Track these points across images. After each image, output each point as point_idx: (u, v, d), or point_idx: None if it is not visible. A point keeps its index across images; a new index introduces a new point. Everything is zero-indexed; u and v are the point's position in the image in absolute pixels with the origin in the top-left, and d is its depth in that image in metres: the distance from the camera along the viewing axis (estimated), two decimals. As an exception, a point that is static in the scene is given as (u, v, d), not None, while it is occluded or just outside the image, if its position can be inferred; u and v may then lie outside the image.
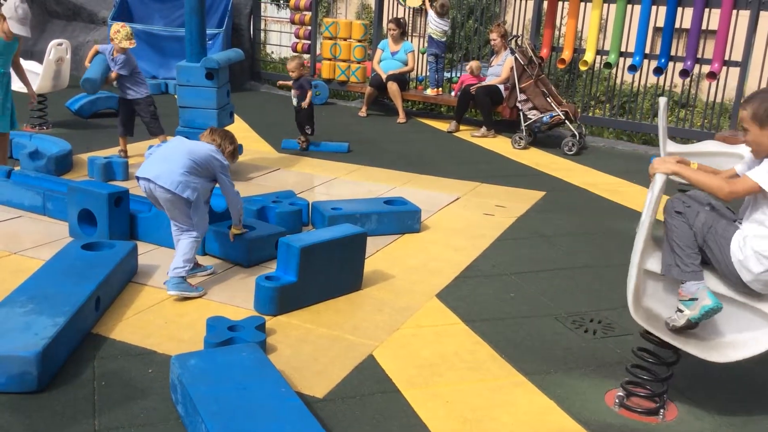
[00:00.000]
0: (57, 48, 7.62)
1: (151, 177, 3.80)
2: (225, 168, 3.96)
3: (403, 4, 10.65)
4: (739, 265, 2.77)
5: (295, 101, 7.36)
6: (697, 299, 2.77)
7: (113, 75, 6.39)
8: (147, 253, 4.38)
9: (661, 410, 2.96)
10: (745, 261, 2.75)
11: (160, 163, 3.84)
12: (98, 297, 3.49)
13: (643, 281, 2.93)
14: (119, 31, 6.34)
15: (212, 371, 2.79)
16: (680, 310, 2.82)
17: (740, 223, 2.88)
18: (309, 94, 7.28)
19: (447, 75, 11.23)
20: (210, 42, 11.20)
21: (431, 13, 9.60)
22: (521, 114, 8.39)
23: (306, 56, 10.67)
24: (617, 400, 3.02)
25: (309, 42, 11.45)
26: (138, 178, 3.89)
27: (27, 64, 7.92)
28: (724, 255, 2.80)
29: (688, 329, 2.84)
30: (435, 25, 9.61)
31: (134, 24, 11.12)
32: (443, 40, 9.70)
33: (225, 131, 4.16)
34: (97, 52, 6.47)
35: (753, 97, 2.86)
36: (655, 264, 2.92)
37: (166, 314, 3.65)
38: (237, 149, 4.19)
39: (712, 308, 2.76)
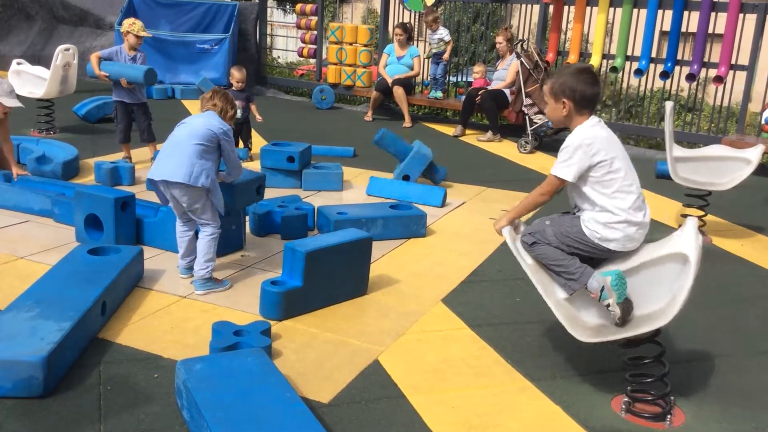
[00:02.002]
0: (64, 53, 7.66)
1: (165, 177, 3.84)
2: (228, 133, 4.00)
3: (408, 8, 10.66)
4: (600, 242, 3.06)
5: (240, 113, 6.73)
6: (604, 286, 2.97)
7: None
8: (153, 258, 4.39)
9: (668, 416, 2.94)
10: (601, 236, 3.05)
11: (169, 159, 3.87)
12: (104, 302, 3.50)
13: (570, 308, 3.11)
14: (134, 23, 6.36)
15: (217, 376, 2.79)
16: (606, 305, 2.99)
17: (577, 212, 3.20)
18: (253, 107, 7.05)
19: (453, 79, 11.23)
20: (216, 47, 11.27)
21: (429, 33, 9.81)
22: (527, 118, 8.38)
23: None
24: (623, 406, 3.01)
25: (315, 47, 11.48)
26: (152, 182, 3.94)
27: (34, 70, 7.98)
28: (587, 243, 3.08)
29: (629, 311, 2.98)
30: (430, 37, 9.79)
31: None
32: (442, 49, 9.72)
33: (226, 94, 4.17)
34: (101, 58, 6.34)
35: (554, 72, 3.28)
36: (561, 292, 3.15)
37: (172, 319, 3.66)
38: (236, 112, 4.25)
39: (616, 279, 2.95)
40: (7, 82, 5.44)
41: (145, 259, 4.20)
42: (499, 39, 8.99)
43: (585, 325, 3.10)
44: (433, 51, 9.80)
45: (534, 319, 3.85)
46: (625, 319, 2.98)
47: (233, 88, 6.96)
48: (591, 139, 3.05)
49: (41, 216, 5.10)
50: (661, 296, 2.92)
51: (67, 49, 7.75)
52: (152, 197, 5.26)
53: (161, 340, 3.43)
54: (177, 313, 3.72)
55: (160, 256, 4.45)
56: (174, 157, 3.85)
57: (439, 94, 9.98)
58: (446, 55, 9.77)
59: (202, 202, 3.92)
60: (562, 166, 3.09)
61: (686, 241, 2.83)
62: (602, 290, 2.98)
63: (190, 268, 4.08)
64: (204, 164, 3.86)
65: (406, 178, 6.17)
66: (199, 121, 3.96)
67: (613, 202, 3.05)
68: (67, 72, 7.76)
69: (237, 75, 6.96)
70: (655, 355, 2.96)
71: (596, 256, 3.15)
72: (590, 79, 3.11)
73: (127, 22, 6.41)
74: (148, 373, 3.13)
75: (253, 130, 7.34)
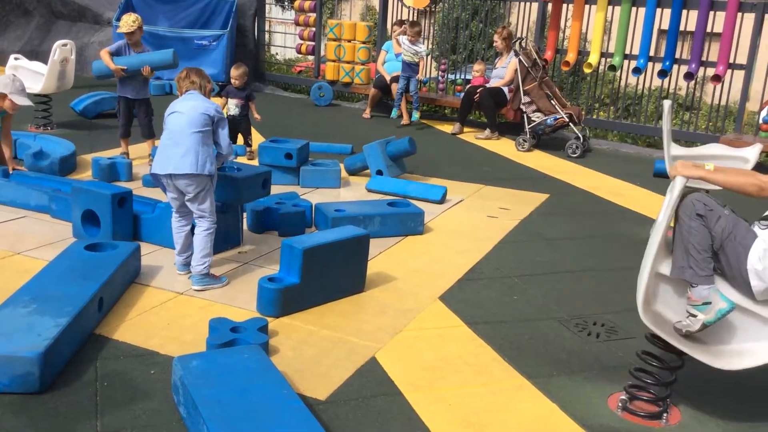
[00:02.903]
0: (62, 48, 7.63)
1: (171, 170, 3.86)
2: (220, 110, 4.02)
3: (407, 6, 10.65)
4: (754, 275, 2.73)
5: (237, 111, 6.88)
6: (710, 302, 2.74)
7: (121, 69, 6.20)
8: (150, 254, 4.39)
9: (665, 414, 2.94)
10: (762, 272, 2.71)
11: (171, 151, 3.87)
12: (101, 298, 3.49)
13: (654, 284, 2.91)
14: (136, 20, 6.29)
15: (214, 373, 2.79)
16: (693, 315, 2.78)
17: (759, 228, 2.84)
18: (252, 105, 6.98)
19: (451, 77, 11.23)
20: (214, 43, 11.24)
21: (404, 39, 9.02)
22: (525, 116, 8.38)
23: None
24: (620, 404, 3.01)
25: (313, 43, 11.46)
26: (155, 176, 3.95)
27: (32, 65, 7.96)
28: (740, 263, 2.75)
29: (700, 332, 2.82)
30: (407, 48, 9.03)
31: (139, 25, 11.15)
32: (416, 61, 9.10)
33: (200, 70, 4.16)
34: (111, 54, 6.24)
35: None
36: (667, 267, 2.89)
37: (169, 315, 3.65)
38: (213, 87, 4.25)
39: (725, 312, 2.72)
40: (19, 80, 5.42)
41: (142, 256, 4.19)
42: (498, 37, 8.99)
43: (654, 306, 2.91)
44: (404, 58, 9.05)
45: (531, 317, 3.86)
46: (690, 336, 2.83)
47: (233, 85, 6.94)
48: None
49: (38, 212, 5.09)
50: (733, 341, 2.83)
51: (65, 45, 7.73)
52: (150, 193, 5.27)
53: (158, 336, 3.42)
54: (174, 310, 3.72)
55: (158, 253, 4.45)
56: (176, 149, 3.86)
57: (417, 116, 9.24)
58: (419, 75, 9.23)
59: (207, 188, 3.94)
60: None
61: None
62: (704, 304, 2.75)
63: (186, 265, 4.08)
64: (207, 150, 3.90)
65: (379, 173, 6.25)
66: (190, 106, 3.95)
67: None
68: (65, 67, 7.74)
69: (235, 73, 6.91)
70: (673, 365, 2.92)
71: (720, 275, 2.85)
72: None
73: (126, 20, 6.30)
74: (144, 369, 3.12)
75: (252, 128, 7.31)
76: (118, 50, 6.32)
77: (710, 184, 2.84)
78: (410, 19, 10.37)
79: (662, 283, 2.94)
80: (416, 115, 9.24)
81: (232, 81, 6.94)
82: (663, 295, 2.95)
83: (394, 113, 9.36)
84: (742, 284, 2.79)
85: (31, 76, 7.81)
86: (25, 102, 5.39)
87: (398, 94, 9.26)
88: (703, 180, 2.80)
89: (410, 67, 9.11)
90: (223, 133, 4.03)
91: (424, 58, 9.33)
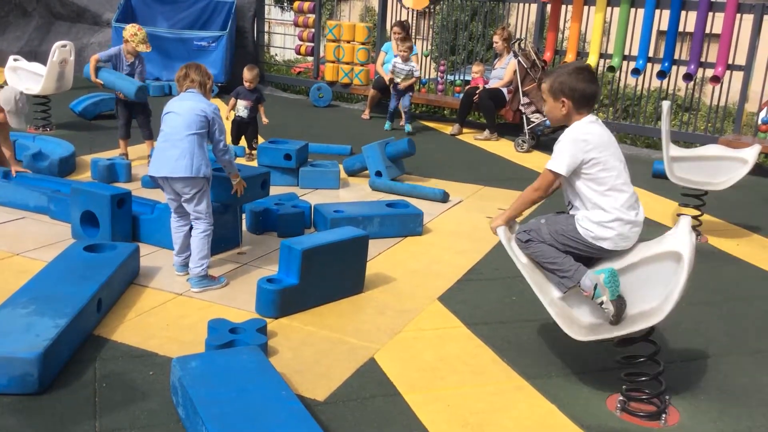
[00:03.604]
0: (61, 49, 7.63)
1: (166, 173, 3.85)
2: (217, 111, 4.00)
3: (406, 7, 10.65)
4: (594, 241, 3.07)
5: (246, 113, 6.89)
6: (597, 284, 2.97)
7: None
8: (149, 255, 4.39)
9: (663, 415, 2.95)
10: (595, 235, 3.06)
11: (167, 153, 3.87)
12: (100, 299, 3.49)
13: (564, 307, 3.12)
14: (136, 34, 6.25)
15: (213, 374, 2.79)
16: (600, 303, 3.00)
17: (571, 209, 3.21)
18: (262, 108, 6.97)
19: (450, 78, 11.23)
20: (213, 44, 11.25)
21: (396, 59, 8.82)
22: (524, 117, 8.39)
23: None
24: (619, 405, 3.01)
25: (312, 44, 11.46)
26: (152, 177, 3.95)
27: (31, 66, 7.95)
28: (580, 242, 3.10)
29: (623, 308, 3.00)
30: (399, 69, 8.79)
31: (138, 26, 11.16)
32: (410, 84, 8.84)
33: (198, 65, 4.11)
34: (99, 62, 6.24)
35: (552, 71, 3.28)
36: (555, 291, 3.17)
37: (168, 316, 3.65)
38: (213, 83, 4.22)
39: (609, 277, 2.97)
40: (22, 101, 5.37)
41: (141, 256, 4.19)
42: (497, 38, 8.99)
43: (579, 323, 3.11)
44: (398, 80, 8.75)
45: (530, 318, 3.86)
46: (619, 317, 2.98)
47: (245, 87, 6.91)
48: (586, 135, 3.06)
49: (37, 213, 5.09)
50: (656, 295, 2.92)
51: (64, 46, 7.73)
52: (149, 194, 5.27)
53: (157, 337, 3.42)
54: (173, 311, 3.72)
55: (156, 254, 4.45)
56: (172, 151, 3.85)
57: (409, 127, 8.84)
58: (411, 81, 8.83)
59: (203, 190, 3.94)
60: (556, 160, 3.09)
61: (680, 239, 2.84)
62: (595, 288, 3.00)
63: (185, 266, 4.08)
64: (202, 153, 3.89)
65: (378, 174, 6.25)
66: (187, 107, 3.92)
67: (605, 200, 3.05)
68: (64, 68, 7.74)
69: (247, 75, 6.85)
70: (650, 353, 2.97)
71: (590, 255, 3.16)
72: (588, 77, 3.11)
73: (130, 29, 6.29)
74: (143, 370, 3.13)
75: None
76: (109, 58, 6.31)
77: (519, 215, 3.34)
78: (408, 20, 10.36)
79: (565, 301, 3.16)
80: (408, 126, 8.85)
81: (245, 83, 6.89)
82: (575, 309, 3.17)
83: (387, 126, 9.06)
84: (602, 253, 3.12)
85: (30, 77, 7.81)
86: (17, 125, 5.33)
87: (390, 111, 8.99)
88: (511, 218, 3.29)
89: (404, 90, 8.85)
90: (218, 135, 3.99)
91: (416, 77, 8.99)
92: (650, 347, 2.97)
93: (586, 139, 3.05)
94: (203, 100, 4.01)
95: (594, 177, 3.06)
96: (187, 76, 4.05)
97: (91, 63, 6.25)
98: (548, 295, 3.13)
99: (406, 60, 8.76)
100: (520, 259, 3.20)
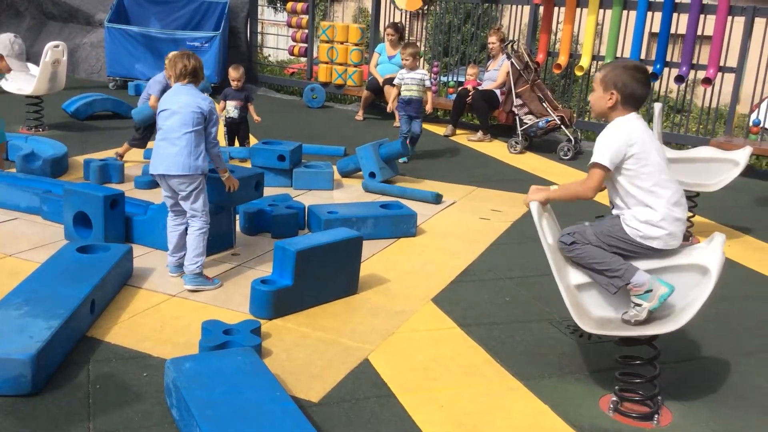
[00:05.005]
0: (53, 50, 7.61)
1: (163, 171, 3.88)
2: (212, 103, 4.02)
3: (400, 8, 10.66)
4: (643, 240, 2.99)
5: (236, 113, 6.83)
6: (651, 290, 2.91)
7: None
8: (142, 256, 4.38)
9: (656, 415, 2.96)
10: (643, 235, 2.97)
11: (165, 151, 3.88)
12: (93, 300, 3.48)
13: (578, 295, 3.06)
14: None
15: (207, 375, 2.79)
16: (638, 305, 2.94)
17: (615, 210, 3.13)
18: (251, 107, 6.94)
19: (444, 79, 11.25)
20: (207, 45, 11.23)
21: (403, 71, 7.37)
22: (517, 119, 8.41)
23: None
24: (611, 405, 3.02)
25: (306, 45, 11.46)
26: (152, 176, 3.99)
27: (23, 66, 7.93)
28: (629, 242, 3.01)
29: (648, 320, 2.96)
30: (409, 80, 7.27)
31: (130, 26, 11.13)
32: (418, 95, 7.28)
33: (187, 54, 4.08)
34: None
35: (609, 63, 3.17)
36: (578, 276, 3.07)
37: (162, 317, 3.65)
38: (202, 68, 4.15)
39: (668, 294, 2.90)
40: (18, 42, 5.35)
41: (134, 258, 4.18)
42: (492, 39, 9.01)
43: (590, 315, 3.04)
44: (407, 95, 7.23)
45: (523, 319, 3.87)
46: (639, 324, 2.95)
47: (231, 87, 6.90)
48: (629, 129, 2.99)
49: (29, 213, 5.07)
50: (675, 302, 2.91)
51: (57, 46, 7.70)
52: (142, 195, 5.26)
53: (150, 338, 3.42)
54: (166, 312, 3.72)
55: (150, 255, 4.44)
56: (170, 149, 3.88)
57: (407, 158, 7.17)
58: (429, 106, 7.39)
59: (200, 187, 3.95)
60: (599, 152, 3.00)
61: (711, 254, 2.84)
62: (647, 291, 2.92)
63: (179, 266, 4.08)
64: (199, 150, 3.91)
65: (372, 175, 6.26)
66: (184, 103, 3.92)
67: (651, 197, 2.97)
68: (57, 69, 7.71)
69: (233, 74, 6.83)
70: (649, 357, 2.96)
71: (637, 256, 3.05)
72: (644, 79, 3.05)
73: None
74: (137, 371, 3.12)
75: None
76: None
77: (555, 200, 3.17)
78: (401, 22, 10.36)
79: (585, 291, 3.09)
80: (407, 157, 7.17)
81: (232, 83, 6.86)
82: (591, 300, 3.10)
83: (405, 159, 7.20)
84: (651, 252, 3.01)
85: (23, 77, 7.79)
86: (20, 68, 5.33)
87: (403, 135, 7.22)
88: (549, 199, 3.12)
89: (414, 105, 7.28)
90: (212, 129, 3.99)
91: (429, 86, 7.46)
92: (650, 351, 2.96)
93: (630, 133, 2.98)
94: (198, 94, 4.01)
95: (637, 173, 2.98)
96: (196, 74, 4.02)
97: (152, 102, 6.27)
98: (566, 280, 3.02)
99: (412, 68, 7.33)
100: (546, 238, 3.04)
